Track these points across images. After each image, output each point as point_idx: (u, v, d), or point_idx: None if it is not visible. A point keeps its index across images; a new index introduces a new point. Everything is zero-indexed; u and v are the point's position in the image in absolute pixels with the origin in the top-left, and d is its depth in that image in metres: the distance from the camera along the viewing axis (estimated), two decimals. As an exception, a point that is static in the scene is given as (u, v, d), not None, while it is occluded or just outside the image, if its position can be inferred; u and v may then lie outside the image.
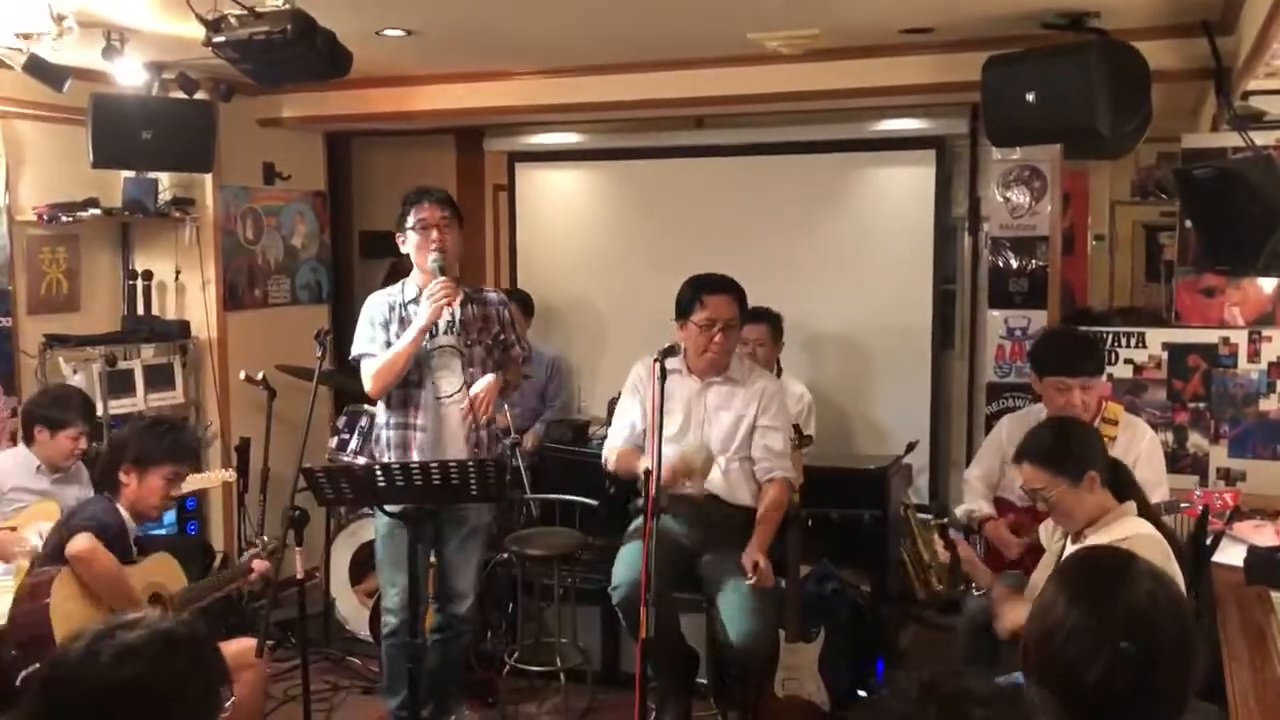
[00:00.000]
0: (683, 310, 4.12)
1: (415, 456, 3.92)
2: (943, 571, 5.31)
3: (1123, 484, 3.25)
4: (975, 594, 3.66)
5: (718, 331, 4.05)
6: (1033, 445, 3.23)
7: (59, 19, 2.68)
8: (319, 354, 3.82)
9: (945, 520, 3.70)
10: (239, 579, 3.99)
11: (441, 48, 4.82)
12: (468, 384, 4.02)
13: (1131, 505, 3.20)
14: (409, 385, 4.02)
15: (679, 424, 4.11)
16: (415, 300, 4.04)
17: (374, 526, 4.18)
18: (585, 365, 6.42)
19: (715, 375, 4.17)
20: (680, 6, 4.11)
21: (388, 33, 4.44)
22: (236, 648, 3.68)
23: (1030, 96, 4.00)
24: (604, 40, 4.71)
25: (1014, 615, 3.27)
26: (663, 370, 3.75)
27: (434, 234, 4.02)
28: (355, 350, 4.10)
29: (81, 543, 3.39)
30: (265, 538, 4.16)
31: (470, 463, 3.43)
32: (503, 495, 3.53)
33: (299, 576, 3.68)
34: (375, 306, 4.11)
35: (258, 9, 3.28)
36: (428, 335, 3.98)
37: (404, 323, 4.03)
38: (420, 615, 3.93)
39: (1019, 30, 4.27)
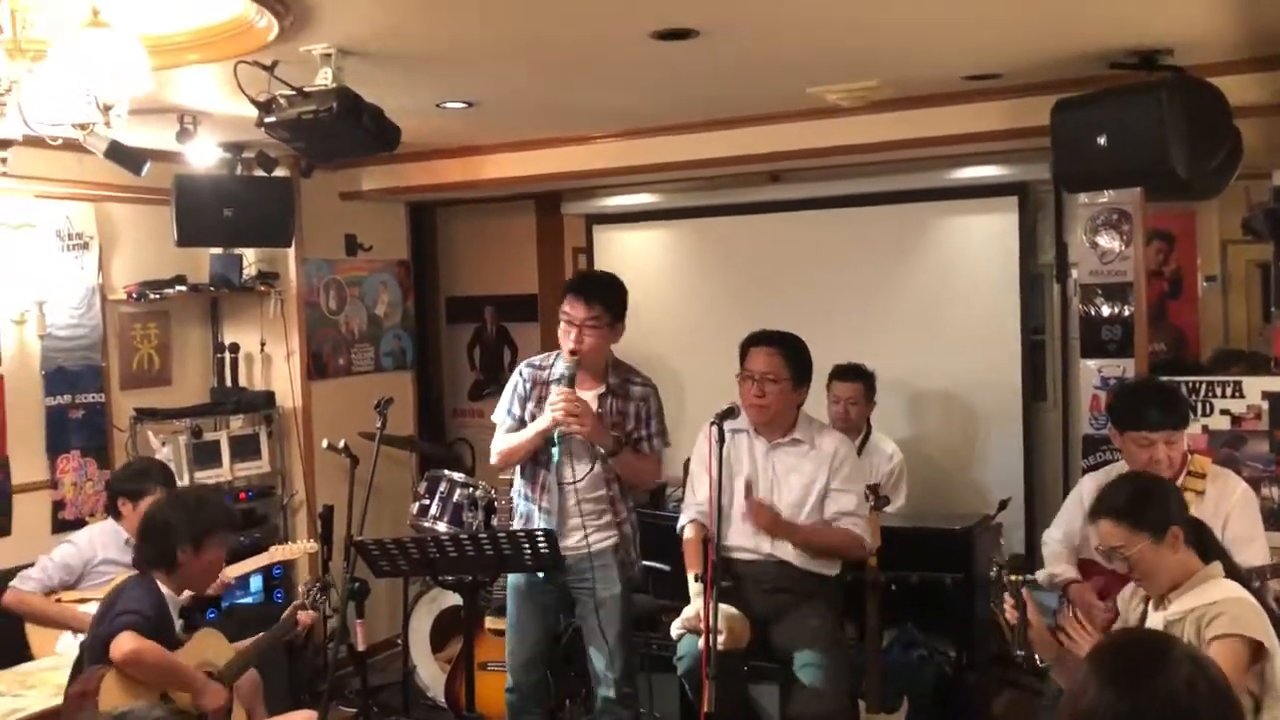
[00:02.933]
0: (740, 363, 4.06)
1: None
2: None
3: (1206, 545, 3.05)
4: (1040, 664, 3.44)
5: (753, 384, 3.97)
6: (1109, 500, 3.04)
7: (105, 109, 2.75)
8: (379, 425, 3.85)
9: (1025, 577, 3.46)
10: (285, 634, 3.87)
11: (503, 117, 4.88)
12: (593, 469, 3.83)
13: (1218, 566, 3.00)
14: (538, 464, 3.87)
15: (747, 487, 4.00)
16: (560, 380, 3.85)
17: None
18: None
19: (780, 435, 4.06)
20: (734, 68, 4.07)
21: (449, 105, 4.50)
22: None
23: (1101, 139, 3.86)
24: (663, 104, 4.71)
25: None
26: (720, 433, 3.68)
27: (573, 334, 3.80)
28: (495, 415, 4.04)
29: (125, 645, 3.23)
30: (303, 586, 4.06)
31: (520, 532, 3.39)
32: (557, 564, 3.46)
33: (360, 649, 3.69)
34: (522, 376, 3.98)
35: (306, 89, 3.35)
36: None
37: (542, 401, 3.84)
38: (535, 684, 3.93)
39: (1090, 71, 4.12)
